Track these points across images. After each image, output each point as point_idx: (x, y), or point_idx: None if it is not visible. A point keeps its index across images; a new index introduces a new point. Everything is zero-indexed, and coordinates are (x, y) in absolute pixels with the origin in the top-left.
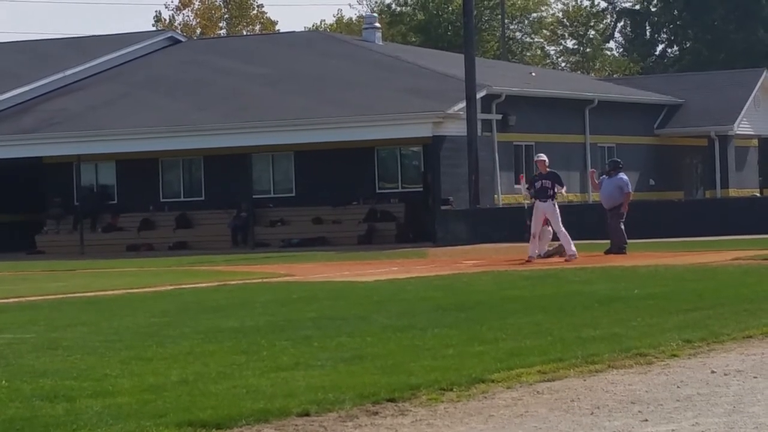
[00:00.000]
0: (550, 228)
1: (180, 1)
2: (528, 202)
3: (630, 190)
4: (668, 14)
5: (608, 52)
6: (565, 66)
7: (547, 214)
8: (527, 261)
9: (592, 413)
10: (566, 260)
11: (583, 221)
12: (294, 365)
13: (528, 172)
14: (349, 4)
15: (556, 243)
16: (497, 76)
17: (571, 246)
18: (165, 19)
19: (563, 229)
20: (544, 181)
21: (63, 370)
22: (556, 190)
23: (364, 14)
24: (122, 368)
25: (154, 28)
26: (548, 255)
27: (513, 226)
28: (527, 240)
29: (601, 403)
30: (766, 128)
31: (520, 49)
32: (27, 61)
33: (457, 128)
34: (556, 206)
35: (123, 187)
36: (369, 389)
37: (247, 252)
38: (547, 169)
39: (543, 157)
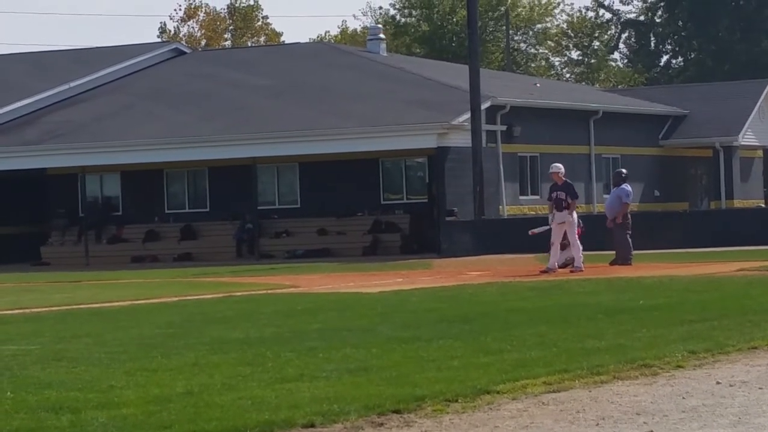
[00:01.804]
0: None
1: (185, 13)
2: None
3: (628, 201)
4: (673, 25)
5: (613, 63)
6: (569, 77)
7: (565, 225)
8: (543, 271)
9: (597, 424)
10: (571, 271)
11: (588, 232)
12: (299, 376)
13: (532, 182)
14: (354, 16)
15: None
16: (502, 87)
17: (581, 260)
18: (170, 31)
19: (578, 241)
20: (558, 192)
21: (68, 381)
22: (569, 201)
23: (368, 25)
24: (127, 379)
25: (158, 40)
26: (564, 265)
27: (518, 237)
28: (529, 251)
29: (607, 414)
30: None
31: (524, 60)
32: (31, 72)
33: (461, 139)
34: (574, 216)
35: (128, 199)
36: (374, 401)
37: (252, 263)
38: (563, 180)
39: (555, 168)
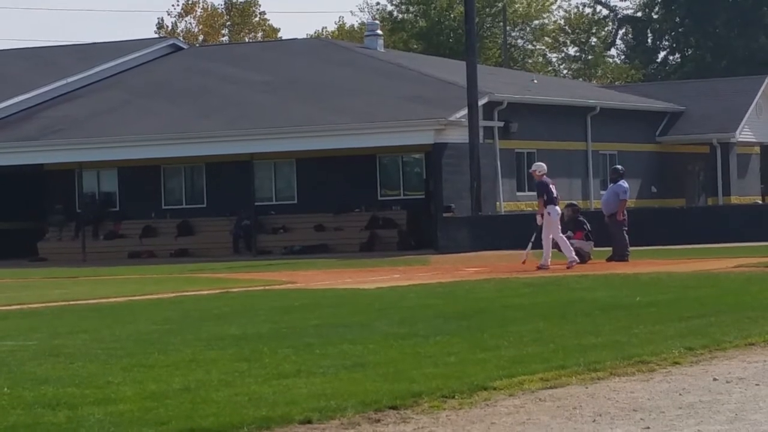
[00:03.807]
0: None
1: (182, 8)
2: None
3: (626, 198)
4: (670, 21)
5: (610, 60)
6: (566, 73)
7: (546, 222)
8: (539, 267)
9: (594, 421)
10: (567, 267)
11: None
12: (296, 372)
13: (529, 178)
14: (351, 12)
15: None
16: (499, 83)
17: (572, 253)
18: (167, 26)
19: (563, 236)
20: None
21: (65, 377)
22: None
23: (365, 21)
24: (124, 375)
25: (156, 35)
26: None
27: (515, 233)
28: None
29: (603, 410)
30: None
31: (521, 57)
32: (29, 68)
33: (458, 135)
34: (553, 215)
35: (125, 194)
36: (371, 397)
37: (249, 259)
38: (543, 179)
39: (533, 168)
